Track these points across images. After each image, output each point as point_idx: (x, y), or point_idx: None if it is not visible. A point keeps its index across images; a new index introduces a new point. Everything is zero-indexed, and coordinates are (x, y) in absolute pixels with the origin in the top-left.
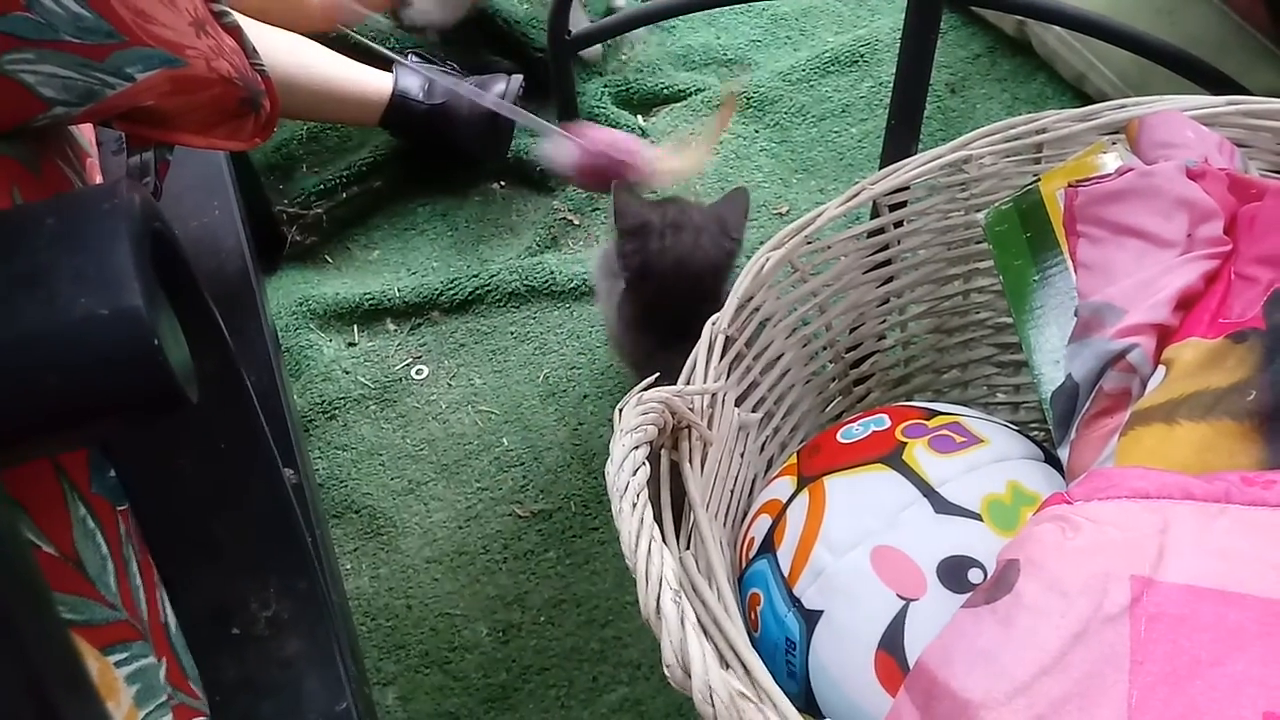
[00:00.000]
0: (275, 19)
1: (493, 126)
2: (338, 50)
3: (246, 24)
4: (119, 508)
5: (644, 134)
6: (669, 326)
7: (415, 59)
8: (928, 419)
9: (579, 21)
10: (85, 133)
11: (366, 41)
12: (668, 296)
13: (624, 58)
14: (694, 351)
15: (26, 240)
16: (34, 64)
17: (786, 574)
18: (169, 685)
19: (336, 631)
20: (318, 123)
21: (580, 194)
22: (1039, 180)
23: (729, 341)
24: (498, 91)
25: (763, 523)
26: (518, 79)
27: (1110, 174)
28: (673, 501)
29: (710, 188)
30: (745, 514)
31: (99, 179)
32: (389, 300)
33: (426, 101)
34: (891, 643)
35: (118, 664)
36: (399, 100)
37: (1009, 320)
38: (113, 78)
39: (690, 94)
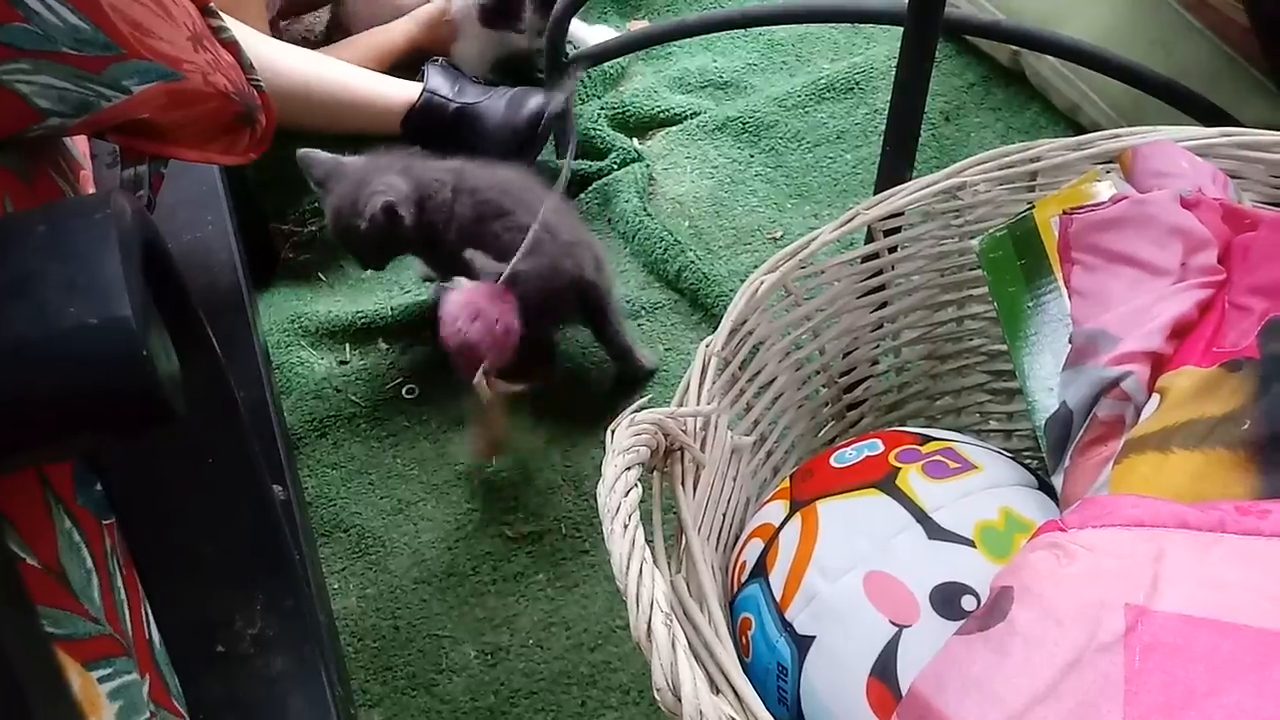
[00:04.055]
0: None
1: (525, 137)
2: None
3: (255, 37)
4: (105, 522)
5: (640, 157)
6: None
7: (443, 64)
8: (921, 444)
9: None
10: (80, 145)
11: None
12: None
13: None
14: (688, 373)
15: (17, 248)
16: (30, 74)
17: (779, 599)
18: (152, 702)
19: (323, 651)
20: (337, 134)
21: None
22: (1033, 208)
23: (723, 364)
24: (536, 104)
25: (755, 547)
26: (560, 99)
27: (1105, 202)
28: (664, 524)
29: (704, 211)
30: (737, 538)
31: (93, 191)
32: (381, 319)
33: (457, 100)
34: (884, 669)
35: (100, 679)
36: (428, 98)
37: (1003, 347)
38: (109, 90)
39: (686, 117)
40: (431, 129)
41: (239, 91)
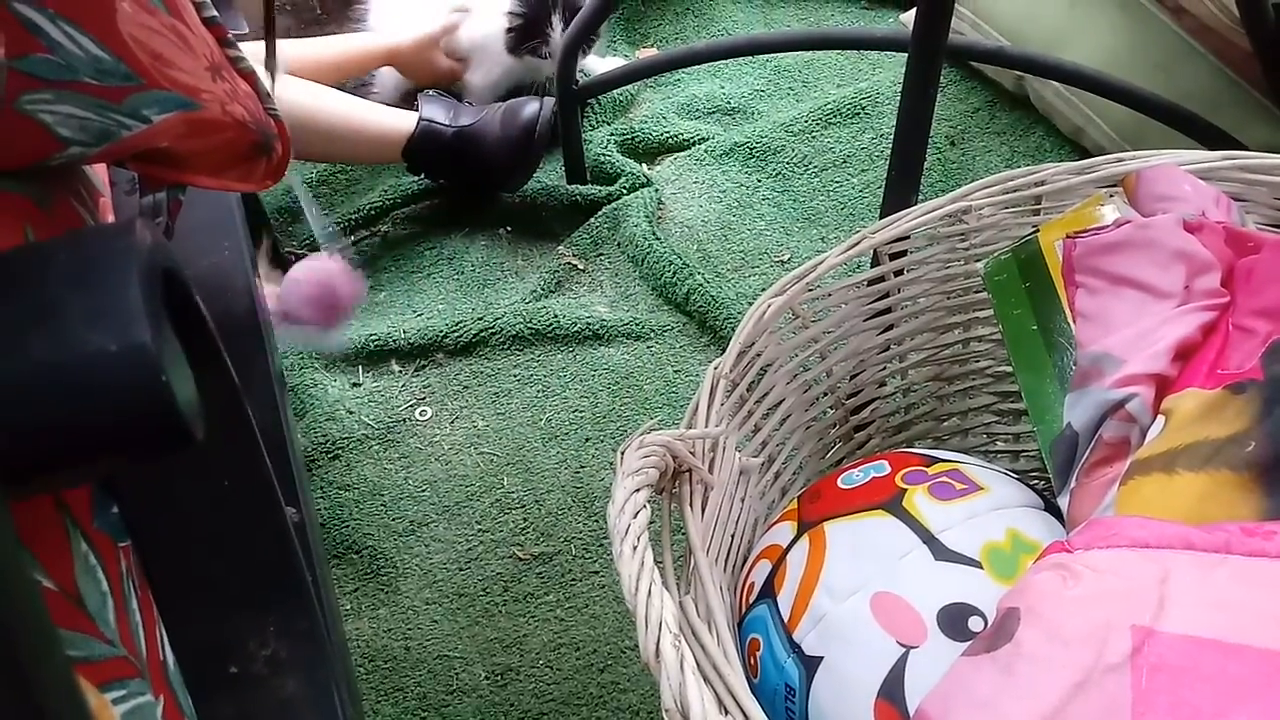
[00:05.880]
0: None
1: (524, 145)
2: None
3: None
4: (120, 544)
5: (649, 182)
6: None
7: (435, 94)
8: (928, 466)
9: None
10: (99, 172)
11: None
12: None
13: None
14: (696, 395)
15: (38, 276)
16: (52, 104)
17: (786, 619)
18: None
19: (335, 672)
20: (337, 163)
21: (585, 239)
22: (1038, 231)
23: (731, 386)
24: (531, 111)
25: (763, 568)
26: (550, 102)
27: (1108, 225)
28: (673, 545)
29: (713, 235)
30: (745, 559)
31: (112, 218)
32: (394, 342)
33: (454, 124)
34: (891, 690)
35: (115, 701)
36: (425, 126)
37: (1008, 369)
38: (129, 119)
39: (695, 143)
40: (432, 155)
41: (256, 120)
